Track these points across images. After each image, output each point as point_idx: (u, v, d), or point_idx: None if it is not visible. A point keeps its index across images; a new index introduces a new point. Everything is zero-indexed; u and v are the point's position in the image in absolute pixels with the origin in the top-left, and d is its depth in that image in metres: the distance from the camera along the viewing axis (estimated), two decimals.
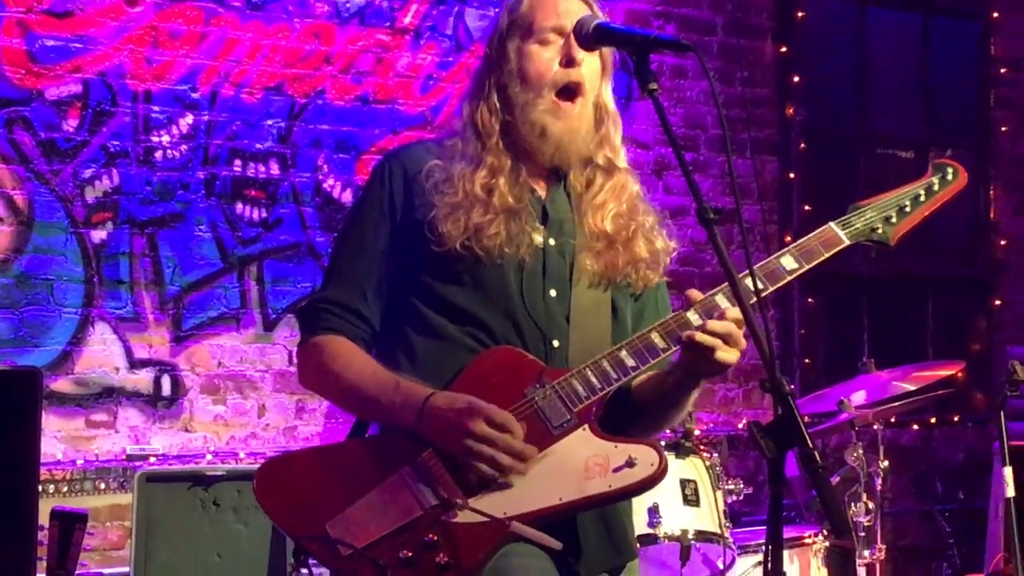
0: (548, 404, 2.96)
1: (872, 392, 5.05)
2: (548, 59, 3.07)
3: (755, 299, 2.72)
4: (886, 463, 5.24)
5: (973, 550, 6.18)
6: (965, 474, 6.76)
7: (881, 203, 3.14)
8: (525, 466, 2.92)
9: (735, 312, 2.90)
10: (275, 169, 5.56)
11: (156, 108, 5.36)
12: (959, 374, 6.23)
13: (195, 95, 5.43)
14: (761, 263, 2.99)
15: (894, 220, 3.12)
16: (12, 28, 5.10)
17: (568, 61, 3.05)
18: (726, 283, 2.85)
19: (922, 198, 3.16)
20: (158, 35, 5.35)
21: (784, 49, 6.80)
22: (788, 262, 3.02)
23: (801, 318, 6.80)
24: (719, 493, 4.50)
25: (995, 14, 7.46)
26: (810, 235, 3.04)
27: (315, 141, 5.56)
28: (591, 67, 3.10)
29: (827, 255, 3.06)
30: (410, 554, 2.94)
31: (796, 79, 6.80)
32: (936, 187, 3.18)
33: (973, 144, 7.45)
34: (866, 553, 5.06)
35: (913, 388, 5.09)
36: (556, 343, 3.04)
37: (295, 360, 3.41)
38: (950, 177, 3.19)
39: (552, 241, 3.10)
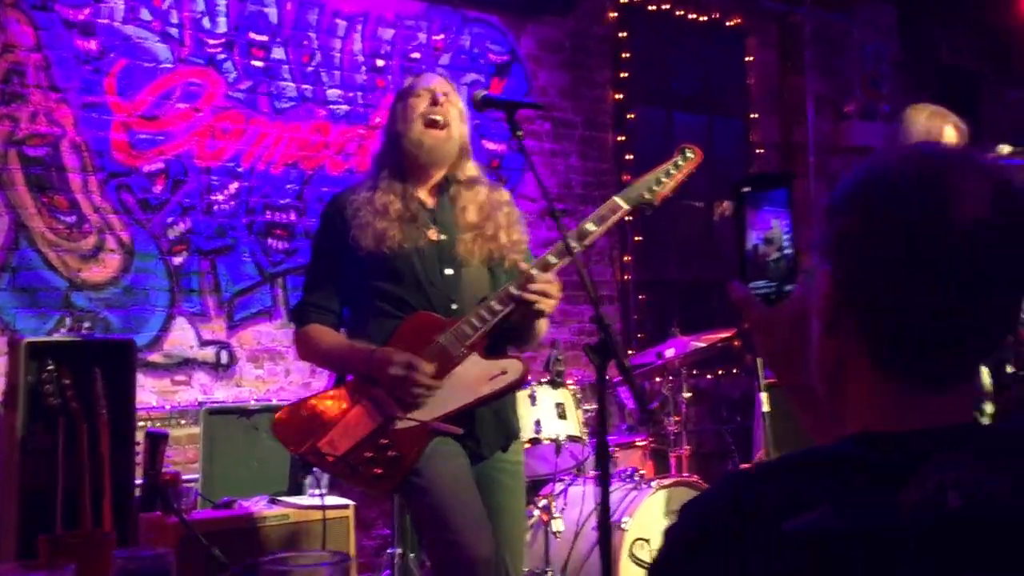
0: (449, 343, 3.02)
1: (679, 348, 5.04)
2: (420, 103, 3.13)
3: (571, 256, 2.84)
4: (689, 395, 5.21)
5: (746, 453, 6.18)
6: (741, 404, 6.76)
7: (645, 180, 3.20)
8: (433, 387, 2.95)
9: (547, 276, 2.94)
10: (293, 216, 5.53)
11: (215, 177, 5.30)
12: (735, 342, 6.25)
13: (240, 169, 5.38)
14: (572, 230, 3.01)
15: (655, 189, 3.16)
16: (119, 127, 5.06)
17: (433, 101, 3.12)
18: (559, 242, 2.94)
19: (672, 171, 3.19)
20: (215, 131, 5.30)
21: (621, 138, 6.80)
22: (590, 227, 3.07)
23: (636, 309, 6.79)
24: (579, 411, 4.48)
25: (752, 115, 7.50)
26: (602, 206, 3.09)
27: (319, 198, 5.51)
28: (454, 116, 3.15)
29: (615, 217, 3.09)
30: (371, 454, 2.98)
31: (628, 157, 6.80)
32: (680, 163, 3.19)
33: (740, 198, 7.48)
34: (676, 450, 5.03)
35: (704, 345, 5.07)
36: (455, 306, 3.09)
37: (295, 343, 3.34)
38: (689, 155, 3.20)
39: (443, 236, 3.13)
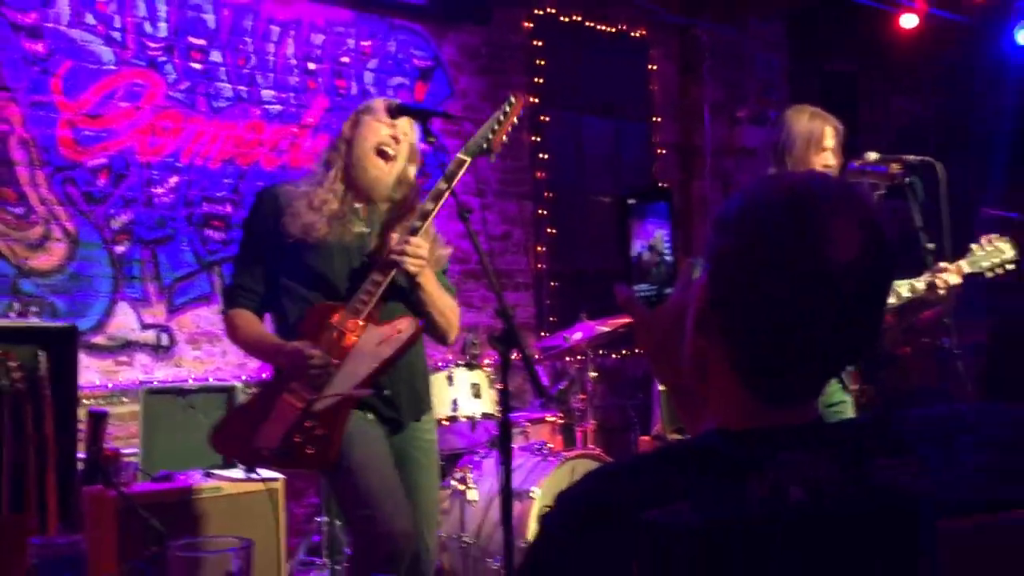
0: (343, 322, 3.00)
1: (585, 332, 5.07)
2: (382, 130, 3.13)
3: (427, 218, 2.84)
4: (595, 374, 5.25)
5: (646, 426, 6.26)
6: (643, 382, 6.82)
7: (481, 132, 3.20)
8: (329, 365, 2.96)
9: (414, 240, 2.99)
10: (229, 209, 5.46)
11: (155, 172, 5.22)
12: None
13: (179, 164, 5.30)
14: (431, 191, 3.05)
15: (490, 138, 3.15)
16: (65, 124, 4.95)
17: (393, 138, 3.11)
18: (420, 205, 3.06)
19: (501, 119, 3.19)
20: (155, 128, 5.22)
21: (535, 138, 6.81)
22: (442, 184, 3.08)
23: (549, 295, 6.82)
24: (493, 391, 4.50)
25: (655, 119, 7.55)
26: (450, 164, 3.08)
27: (254, 191, 5.35)
28: (403, 155, 3.14)
29: (461, 171, 3.06)
30: (300, 438, 2.95)
31: (542, 156, 6.82)
32: (507, 110, 3.17)
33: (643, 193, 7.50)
34: (582, 425, 5.06)
35: (608, 330, 5.11)
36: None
37: (224, 324, 3.28)
38: (513, 101, 3.17)
39: (367, 230, 3.11)
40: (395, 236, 2.99)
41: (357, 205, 3.13)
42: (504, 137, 3.15)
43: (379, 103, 3.15)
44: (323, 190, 3.06)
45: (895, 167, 3.40)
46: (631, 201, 1.44)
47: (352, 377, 2.95)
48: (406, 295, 3.09)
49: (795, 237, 1.07)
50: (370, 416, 3.01)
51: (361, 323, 2.96)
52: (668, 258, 1.40)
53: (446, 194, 2.98)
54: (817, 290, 1.06)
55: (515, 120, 3.19)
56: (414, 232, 2.97)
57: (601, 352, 6.08)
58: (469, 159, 3.07)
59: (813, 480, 1.05)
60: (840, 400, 3.68)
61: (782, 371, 1.11)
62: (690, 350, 1.19)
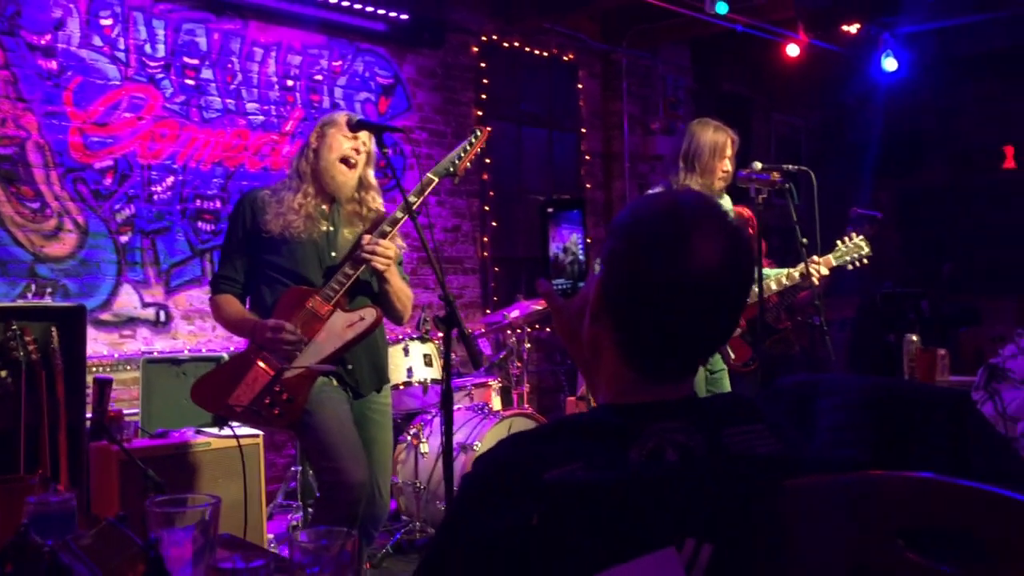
0: (316, 305, 2.96)
1: (522, 310, 5.07)
2: (346, 143, 3.09)
3: (391, 228, 2.76)
4: (529, 345, 5.26)
5: (573, 388, 6.29)
6: None
7: (449, 157, 3.16)
8: (300, 341, 2.93)
9: (383, 242, 2.96)
10: (218, 204, 5.37)
11: (154, 173, 5.11)
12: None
13: (175, 166, 5.20)
14: (401, 204, 2.97)
15: (456, 163, 3.12)
16: (75, 131, 4.83)
17: (355, 150, 3.08)
18: (392, 214, 2.95)
19: (467, 148, 3.16)
20: (155, 136, 5.11)
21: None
22: (412, 198, 3.03)
23: (493, 278, 6.81)
24: (441, 360, 4.48)
25: (582, 130, 7.55)
26: (420, 182, 3.05)
27: (239, 189, 5.37)
28: (362, 161, 3.09)
29: (430, 188, 3.04)
30: (269, 400, 2.92)
31: (487, 161, 6.79)
32: (473, 141, 3.17)
33: (574, 192, 7.53)
34: (518, 388, 5.07)
35: (540, 308, 5.11)
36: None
37: (210, 307, 3.23)
38: (479, 134, 3.15)
39: (333, 228, 3.08)
40: (368, 237, 2.97)
41: (324, 206, 3.10)
42: (468, 164, 3.13)
43: (341, 117, 3.09)
44: (298, 195, 3.03)
45: (775, 175, 3.44)
46: (549, 209, 1.45)
47: (319, 353, 2.93)
48: (371, 286, 3.09)
49: (669, 246, 1.09)
50: (335, 383, 3.00)
51: (330, 308, 2.95)
52: (580, 257, 1.41)
53: (414, 206, 2.97)
54: (688, 290, 1.08)
55: (479, 150, 3.18)
56: (384, 236, 2.95)
57: (536, 326, 6.11)
58: (436, 179, 3.05)
59: (684, 446, 1.07)
60: (720, 368, 3.74)
61: (660, 355, 1.12)
62: (587, 336, 1.20)
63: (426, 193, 3.02)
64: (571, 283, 1.41)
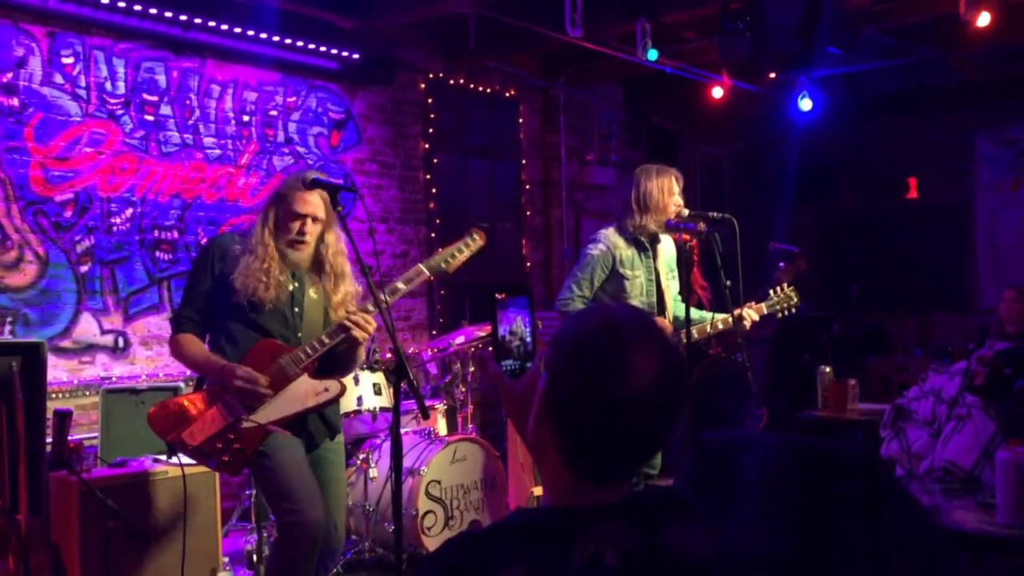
0: (287, 364, 2.91)
1: (467, 336, 5.08)
2: (295, 226, 2.99)
3: (386, 306, 2.72)
4: (473, 368, 5.25)
5: None
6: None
7: (443, 253, 3.13)
8: (268, 396, 2.87)
9: (365, 315, 2.91)
10: (176, 235, 5.27)
11: (114, 205, 5.01)
12: None
13: (134, 199, 5.09)
14: (387, 288, 2.93)
15: (450, 261, 3.09)
16: (36, 166, 4.71)
17: (300, 232, 2.98)
18: (374, 297, 2.85)
19: (463, 249, 3.13)
20: (115, 169, 5.00)
21: (428, 176, 6.78)
22: (400, 285, 3.00)
23: (439, 301, 6.80)
24: (391, 389, 4.45)
25: (523, 161, 7.58)
26: (411, 270, 3.03)
27: (196, 220, 5.30)
28: (313, 232, 3.00)
29: (419, 280, 3.08)
30: (221, 446, 2.87)
31: (434, 191, 6.77)
32: (470, 243, 3.15)
33: (513, 218, 7.55)
34: (463, 411, 5.06)
35: (483, 334, 5.11)
36: (300, 335, 2.99)
37: (169, 344, 3.13)
38: (476, 238, 3.16)
39: (298, 285, 3.03)
40: (353, 308, 2.94)
41: (288, 268, 3.04)
42: (460, 264, 3.08)
43: (296, 181, 2.99)
44: (265, 259, 2.94)
45: (702, 225, 3.49)
46: (498, 296, 1.47)
47: (278, 412, 2.87)
48: (338, 352, 3.03)
49: (609, 365, 1.10)
50: (289, 434, 2.95)
51: (299, 370, 2.90)
52: (527, 340, 1.43)
53: (400, 294, 2.98)
54: (625, 405, 1.09)
55: (473, 253, 3.11)
56: (366, 311, 2.93)
57: (480, 345, 6.10)
58: (428, 273, 3.03)
59: (623, 548, 1.08)
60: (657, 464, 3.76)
61: (600, 461, 1.13)
62: (531, 436, 1.21)
63: (414, 283, 3.00)
64: (518, 364, 1.43)
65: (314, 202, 2.98)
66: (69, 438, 3.81)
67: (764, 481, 1.46)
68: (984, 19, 5.35)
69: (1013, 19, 5.78)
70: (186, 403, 2.91)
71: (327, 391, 2.90)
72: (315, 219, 2.99)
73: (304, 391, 2.89)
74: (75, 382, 4.77)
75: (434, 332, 6.67)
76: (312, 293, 3.04)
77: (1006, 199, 8.89)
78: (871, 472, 1.44)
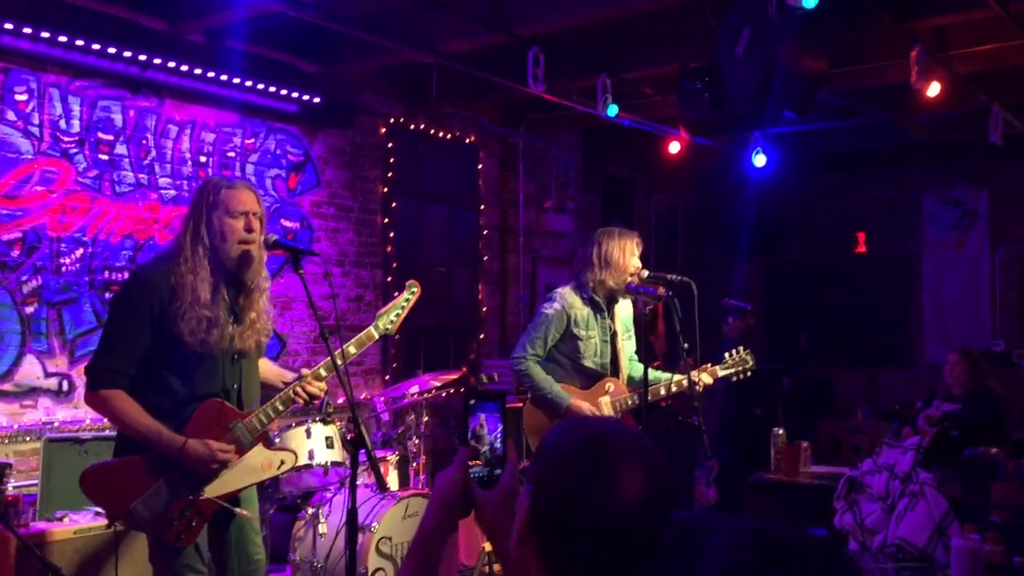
0: (242, 434, 2.81)
1: (421, 385, 5.03)
2: (238, 225, 2.83)
3: (341, 366, 2.68)
4: (427, 419, 5.20)
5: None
6: (463, 415, 6.77)
7: (388, 311, 3.14)
8: (227, 467, 2.79)
9: (319, 384, 2.86)
10: (127, 275, 5.10)
11: (64, 245, 4.89)
12: (465, 371, 6.29)
13: (85, 239, 4.97)
14: (339, 349, 2.85)
15: (393, 320, 3.10)
16: None
17: (247, 227, 2.83)
18: (326, 360, 2.82)
19: (403, 305, 3.17)
20: (66, 209, 4.89)
21: (386, 220, 6.74)
22: (352, 349, 2.96)
23: (393, 345, 6.73)
24: (341, 444, 4.38)
25: (481, 206, 7.58)
26: (361, 334, 3.01)
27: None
28: (259, 229, 2.89)
29: (369, 343, 3.02)
30: (177, 521, 2.76)
31: (391, 235, 6.74)
32: (408, 298, 3.18)
33: (472, 264, 7.53)
34: (414, 463, 4.99)
35: (439, 384, 5.08)
36: (236, 386, 2.86)
37: (89, 400, 2.81)
38: (413, 290, 3.19)
39: (236, 326, 2.90)
40: (307, 374, 2.89)
41: (227, 298, 2.83)
42: (402, 320, 3.15)
43: (219, 182, 2.86)
44: (200, 281, 2.72)
45: (661, 289, 3.51)
46: (471, 401, 1.49)
47: (231, 484, 2.76)
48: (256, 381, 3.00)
49: (597, 482, 1.08)
50: (245, 512, 2.88)
51: (254, 440, 2.81)
52: (497, 445, 1.43)
53: (351, 356, 2.94)
54: (615, 524, 1.07)
55: (412, 306, 3.18)
56: (318, 377, 2.89)
57: (433, 391, 6.04)
58: (377, 335, 3.06)
59: None
60: None
61: None
62: (513, 554, 1.18)
63: (365, 346, 3.03)
64: (487, 471, 1.43)
65: (250, 198, 2.82)
66: (7, 491, 3.68)
67: (728, 569, 1.45)
68: (934, 89, 5.51)
69: (959, 88, 5.99)
70: (126, 471, 2.70)
71: (283, 463, 2.83)
72: (256, 215, 2.82)
73: (260, 464, 2.80)
74: (15, 427, 4.60)
75: (387, 377, 6.60)
76: (247, 334, 2.87)
77: (948, 258, 9.12)
78: (835, 564, 1.44)
